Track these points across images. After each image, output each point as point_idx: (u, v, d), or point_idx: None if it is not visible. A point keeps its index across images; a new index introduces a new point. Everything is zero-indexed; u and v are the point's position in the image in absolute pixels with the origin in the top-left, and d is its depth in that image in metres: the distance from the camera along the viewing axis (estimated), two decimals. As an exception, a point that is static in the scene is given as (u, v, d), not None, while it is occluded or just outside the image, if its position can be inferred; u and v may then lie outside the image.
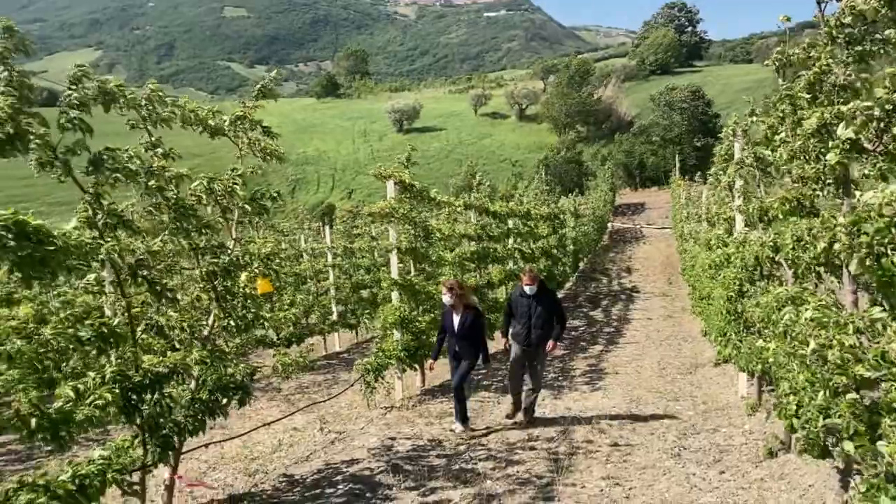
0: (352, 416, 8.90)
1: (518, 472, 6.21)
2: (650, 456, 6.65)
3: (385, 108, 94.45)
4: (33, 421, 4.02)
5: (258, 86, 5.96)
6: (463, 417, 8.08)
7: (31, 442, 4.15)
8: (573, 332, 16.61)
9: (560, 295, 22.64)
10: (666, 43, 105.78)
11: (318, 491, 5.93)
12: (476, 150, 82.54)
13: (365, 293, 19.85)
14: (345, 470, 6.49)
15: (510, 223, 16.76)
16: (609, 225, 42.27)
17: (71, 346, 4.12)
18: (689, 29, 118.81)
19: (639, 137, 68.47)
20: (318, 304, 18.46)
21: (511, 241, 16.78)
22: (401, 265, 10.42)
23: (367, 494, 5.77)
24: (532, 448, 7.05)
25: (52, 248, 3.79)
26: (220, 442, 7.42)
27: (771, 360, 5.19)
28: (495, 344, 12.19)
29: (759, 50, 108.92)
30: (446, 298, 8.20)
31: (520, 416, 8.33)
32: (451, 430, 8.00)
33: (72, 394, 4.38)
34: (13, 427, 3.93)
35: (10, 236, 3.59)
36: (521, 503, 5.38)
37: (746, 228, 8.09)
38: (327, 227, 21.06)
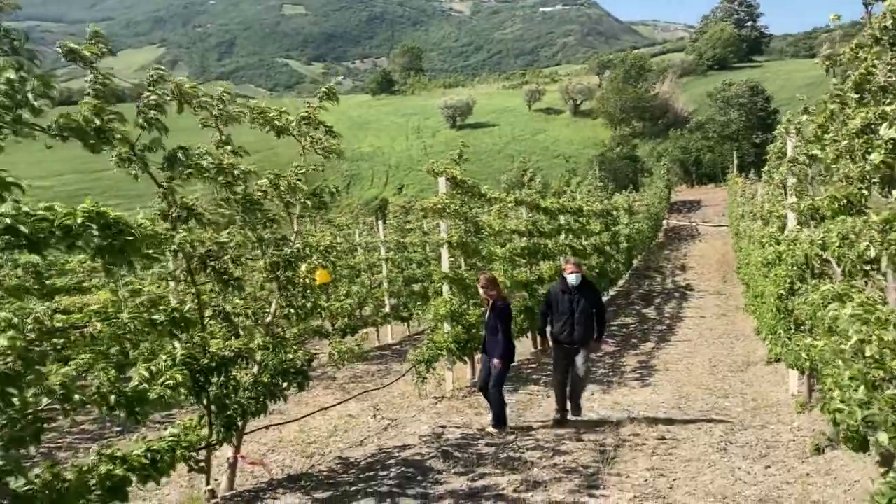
0: (403, 405, 9.17)
1: (564, 461, 6.38)
2: (696, 449, 6.74)
3: (438, 105, 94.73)
4: (112, 398, 4.36)
5: (323, 89, 6.24)
6: (498, 419, 7.76)
7: (110, 416, 4.49)
8: (624, 329, 16.66)
9: (613, 292, 22.66)
10: (725, 38, 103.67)
11: (371, 473, 6.20)
12: (529, 146, 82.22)
13: (416, 287, 20.15)
14: (397, 454, 6.76)
15: (561, 219, 16.84)
16: (664, 222, 41.83)
17: (146, 330, 4.43)
18: (749, 23, 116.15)
19: (695, 133, 67.37)
20: (372, 297, 18.84)
21: (562, 237, 16.86)
22: (451, 259, 10.65)
23: (419, 478, 6.02)
24: (579, 440, 7.20)
25: (130, 237, 4.11)
26: (279, 425, 7.76)
27: (817, 357, 5.25)
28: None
29: (822, 44, 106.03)
30: (481, 293, 8.17)
31: (569, 416, 8.06)
32: (482, 429, 7.76)
33: (146, 374, 4.72)
34: (94, 402, 4.27)
35: (93, 226, 3.91)
36: (566, 490, 5.55)
37: (798, 226, 8.09)
38: (380, 222, 21.43)
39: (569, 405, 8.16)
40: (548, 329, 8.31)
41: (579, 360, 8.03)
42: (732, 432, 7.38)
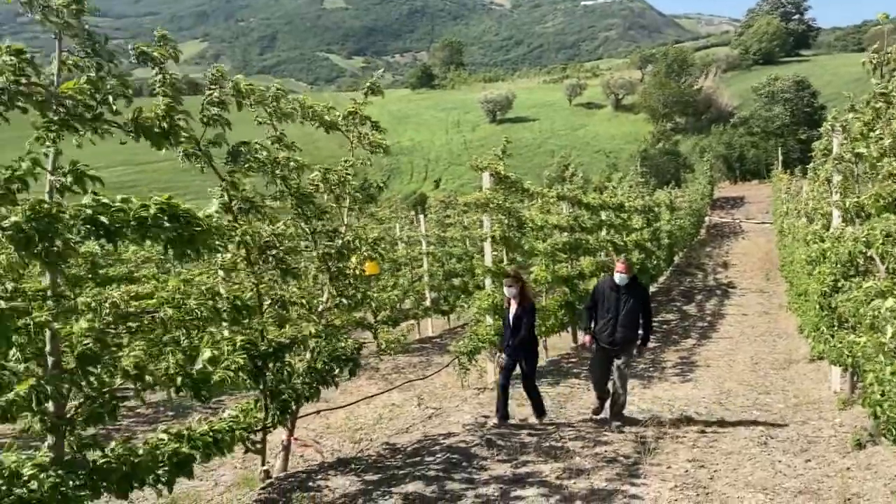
0: (446, 395, 9.37)
1: (606, 451, 6.52)
2: (737, 443, 6.83)
3: (478, 99, 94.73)
4: (179, 379, 4.63)
5: (367, 84, 6.44)
6: (539, 410, 7.91)
7: (177, 396, 4.77)
8: (665, 326, 16.64)
9: (653, 288, 22.59)
10: (771, 31, 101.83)
11: (418, 458, 6.42)
12: (569, 141, 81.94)
13: (456, 281, 20.34)
14: (442, 441, 6.96)
15: (603, 215, 16.88)
16: (706, 219, 41.39)
17: (210, 316, 4.69)
18: (797, 16, 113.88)
19: (739, 129, 66.37)
20: (413, 290, 19.08)
21: (603, 232, 16.91)
22: (494, 253, 10.81)
23: (464, 463, 6.21)
24: (620, 431, 7.33)
25: (198, 228, 4.37)
26: (327, 410, 8.03)
27: (859, 353, 5.32)
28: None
29: (872, 38, 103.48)
30: (511, 291, 7.90)
31: (605, 413, 7.85)
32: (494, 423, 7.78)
33: (209, 357, 4.98)
34: (163, 383, 4.54)
35: (165, 217, 4.17)
36: (608, 478, 5.70)
37: (843, 224, 8.09)
38: (422, 216, 21.65)
39: (611, 419, 7.78)
40: (592, 325, 8.02)
41: (620, 363, 7.68)
42: (773, 427, 7.44)
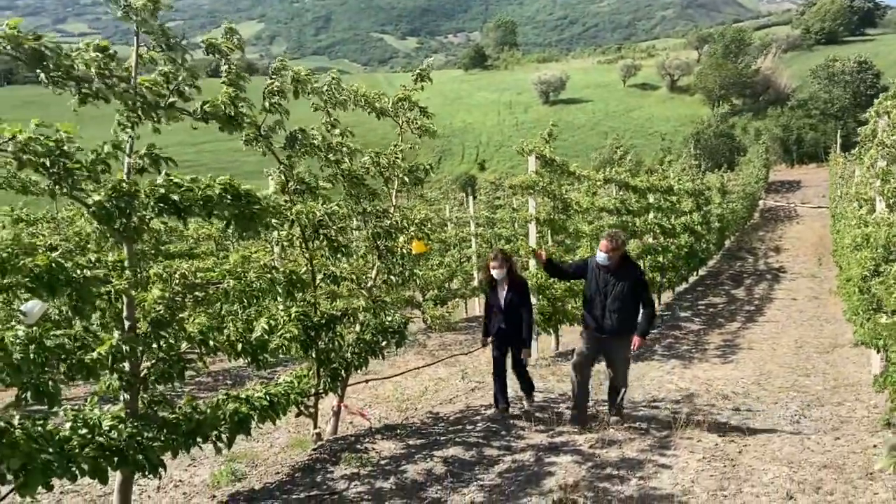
0: (489, 371, 9.69)
1: (639, 424, 6.80)
2: (769, 421, 7.02)
3: (531, 80, 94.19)
4: (239, 345, 5.07)
5: (417, 71, 6.76)
6: (504, 400, 7.43)
7: (236, 360, 5.20)
8: (711, 309, 16.70)
9: (703, 272, 22.54)
10: (834, 10, 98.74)
11: (459, 427, 6.79)
12: (623, 123, 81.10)
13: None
14: (483, 412, 7.32)
15: (650, 198, 16.94)
16: (760, 202, 40.77)
17: (268, 288, 5.10)
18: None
19: (797, 111, 64.80)
20: (461, 270, 19.43)
21: (650, 215, 16.97)
22: (538, 235, 11.07)
23: (503, 432, 6.56)
24: (655, 407, 7.58)
25: (258, 207, 4.77)
26: (376, 380, 8.44)
27: (885, 333, 5.48)
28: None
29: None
30: (499, 274, 7.24)
31: (613, 418, 6.94)
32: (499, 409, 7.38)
33: (266, 326, 5.41)
34: (224, 349, 4.98)
35: (228, 196, 4.58)
36: (639, 448, 5.98)
37: (887, 209, 8.15)
38: (471, 198, 21.95)
39: (611, 415, 7.10)
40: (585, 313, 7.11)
41: (616, 356, 6.95)
42: (809, 407, 7.60)
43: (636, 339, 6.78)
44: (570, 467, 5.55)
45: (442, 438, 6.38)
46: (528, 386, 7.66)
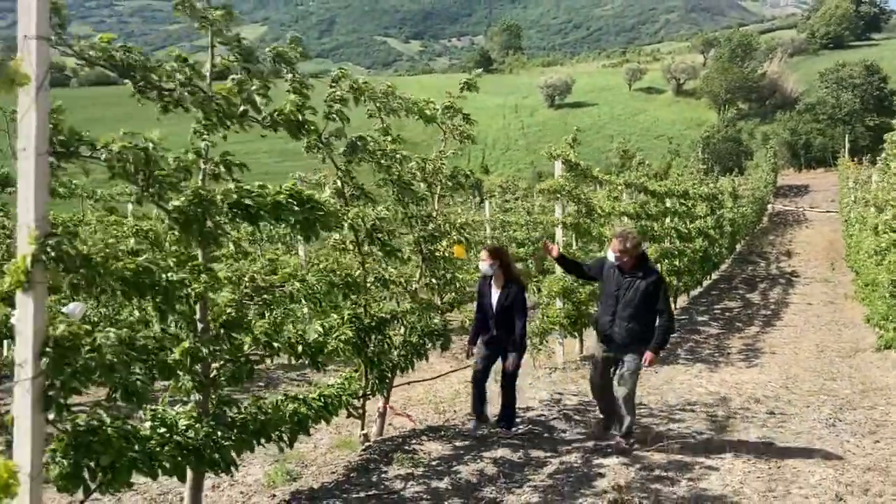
0: (519, 374, 9.80)
1: (679, 427, 6.90)
2: (805, 424, 7.12)
3: (537, 84, 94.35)
4: (299, 347, 5.18)
5: (464, 80, 6.88)
6: (508, 416, 6.80)
7: (296, 361, 5.32)
8: (727, 313, 16.80)
9: (715, 276, 22.64)
10: (840, 14, 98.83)
11: (500, 429, 6.89)
12: (629, 127, 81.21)
13: (519, 265, 20.75)
14: (522, 415, 7.42)
15: (668, 202, 17.05)
16: (769, 207, 40.86)
17: (327, 291, 5.22)
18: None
19: (804, 115, 64.88)
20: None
21: (668, 220, 17.07)
22: (565, 239, 11.18)
23: (545, 434, 6.68)
24: (691, 410, 7.68)
25: (321, 212, 4.88)
26: (424, 381, 8.50)
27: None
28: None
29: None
30: (485, 266, 6.61)
31: (619, 441, 6.19)
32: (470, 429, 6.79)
33: (320, 329, 5.53)
34: (287, 350, 5.10)
35: (294, 202, 4.69)
36: (683, 450, 6.09)
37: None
38: (486, 202, 22.06)
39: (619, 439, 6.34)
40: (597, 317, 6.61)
41: (624, 369, 6.18)
42: (841, 411, 7.70)
43: (648, 354, 6.00)
44: (618, 469, 5.66)
45: (487, 440, 6.48)
46: (509, 402, 6.78)
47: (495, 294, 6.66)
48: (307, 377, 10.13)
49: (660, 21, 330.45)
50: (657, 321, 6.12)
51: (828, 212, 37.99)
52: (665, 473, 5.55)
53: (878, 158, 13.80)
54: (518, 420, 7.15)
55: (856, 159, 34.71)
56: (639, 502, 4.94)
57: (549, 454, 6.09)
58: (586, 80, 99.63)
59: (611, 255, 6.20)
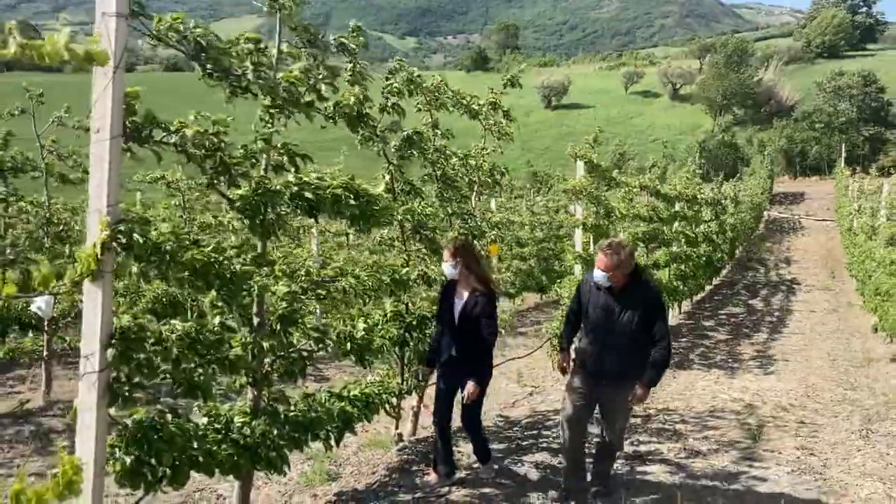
0: (540, 375, 9.72)
1: (714, 435, 6.82)
2: (838, 435, 7.05)
3: (534, 84, 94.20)
4: (348, 344, 5.06)
5: (507, 76, 6.77)
6: (446, 461, 5.46)
7: (344, 359, 5.19)
8: (733, 319, 16.78)
9: (717, 281, 22.66)
10: (836, 24, 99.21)
11: (535, 431, 6.80)
12: (625, 129, 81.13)
13: (524, 266, 20.65)
14: (553, 417, 7.31)
15: (677, 206, 17.00)
16: (765, 213, 40.98)
17: (376, 287, 5.09)
18: (864, 9, 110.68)
19: (800, 123, 65.06)
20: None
21: (676, 223, 17.03)
22: (584, 240, 11.08)
23: (581, 439, 6.56)
24: (720, 418, 7.60)
25: (376, 206, 4.76)
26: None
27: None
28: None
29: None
30: (448, 268, 5.25)
31: (595, 488, 5.24)
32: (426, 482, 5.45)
33: (363, 326, 5.40)
34: (335, 346, 4.96)
35: (350, 196, 4.56)
36: (726, 460, 6.01)
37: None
38: (493, 201, 21.93)
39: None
40: (573, 342, 5.41)
41: (614, 407, 5.12)
42: (870, 422, 7.64)
43: (639, 389, 4.85)
44: (664, 477, 5.57)
45: (523, 443, 6.39)
46: (480, 445, 5.57)
47: (458, 302, 5.29)
48: (322, 373, 9.99)
49: (655, 25, 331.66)
50: (653, 349, 4.83)
51: (824, 220, 38.12)
52: (711, 483, 5.46)
53: (884, 167, 13.76)
54: (549, 423, 7.04)
55: (853, 168, 34.80)
56: (692, 512, 4.84)
57: (589, 459, 5.98)
58: (583, 83, 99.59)
59: (597, 275, 4.90)
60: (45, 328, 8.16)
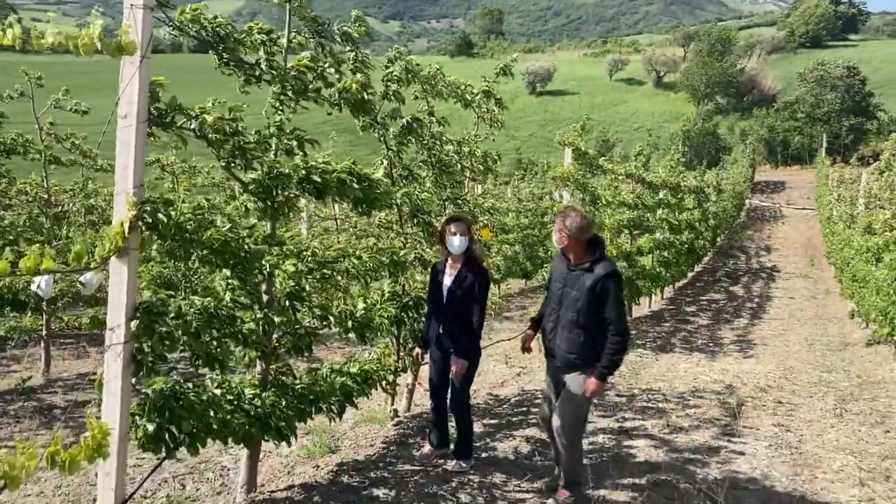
0: (526, 356, 9.97)
1: (696, 413, 7.11)
2: (813, 413, 7.38)
3: (520, 70, 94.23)
4: (349, 322, 5.27)
5: (500, 65, 6.97)
6: (441, 440, 5.60)
7: (346, 336, 5.41)
8: (714, 305, 17.16)
9: (698, 269, 23.06)
10: (819, 13, 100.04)
11: (523, 409, 7.06)
12: (608, 116, 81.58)
13: (509, 251, 20.91)
14: (539, 396, 7.57)
15: (661, 194, 17.30)
16: (747, 202, 41.50)
17: (376, 268, 5.31)
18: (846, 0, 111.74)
19: (782, 113, 65.67)
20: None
21: (660, 211, 17.34)
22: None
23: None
24: (701, 397, 7.90)
25: (378, 190, 4.97)
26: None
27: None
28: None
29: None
30: (461, 241, 5.20)
31: (561, 494, 4.72)
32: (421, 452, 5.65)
33: (362, 305, 5.62)
34: (337, 323, 5.18)
35: (354, 179, 4.77)
36: (707, 436, 6.30)
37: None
38: (478, 186, 22.15)
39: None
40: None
41: (563, 397, 4.69)
42: (845, 402, 7.97)
43: (590, 383, 4.47)
44: (649, 451, 5.85)
45: (514, 419, 6.64)
46: (465, 432, 5.42)
47: (448, 280, 5.28)
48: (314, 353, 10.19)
49: (639, 12, 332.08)
50: (603, 332, 4.48)
51: (804, 209, 38.67)
52: (694, 456, 5.74)
53: (863, 156, 14.10)
54: (538, 400, 7.30)
55: (833, 158, 35.35)
56: (677, 482, 5.12)
57: (577, 434, 6.26)
58: (567, 69, 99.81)
59: (555, 240, 4.69)
60: (44, 308, 8.32)
